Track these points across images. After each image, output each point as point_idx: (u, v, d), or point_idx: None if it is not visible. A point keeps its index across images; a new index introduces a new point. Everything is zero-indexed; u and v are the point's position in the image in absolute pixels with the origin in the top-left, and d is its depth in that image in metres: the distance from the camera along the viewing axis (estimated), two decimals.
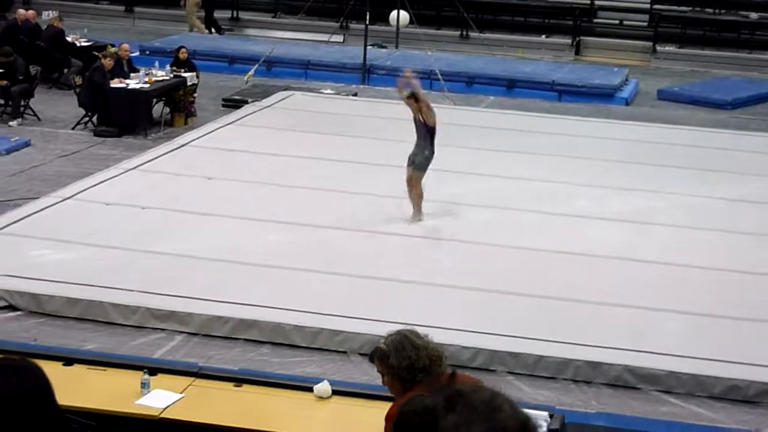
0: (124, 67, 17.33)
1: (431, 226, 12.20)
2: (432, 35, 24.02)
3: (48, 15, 21.30)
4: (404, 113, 12.36)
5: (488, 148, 15.63)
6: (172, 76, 17.37)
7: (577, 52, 25.63)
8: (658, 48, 25.45)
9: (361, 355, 8.87)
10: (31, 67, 17.85)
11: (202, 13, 25.90)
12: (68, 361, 7.31)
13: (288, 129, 16.44)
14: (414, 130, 12.08)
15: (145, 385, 6.90)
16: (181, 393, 6.95)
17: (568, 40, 25.96)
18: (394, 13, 22.77)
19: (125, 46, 18.05)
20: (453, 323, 9.35)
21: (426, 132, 11.97)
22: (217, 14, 26.43)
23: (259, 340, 9.43)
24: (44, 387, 2.96)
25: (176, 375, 7.27)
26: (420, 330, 5.12)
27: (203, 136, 15.81)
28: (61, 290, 9.92)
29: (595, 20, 26.81)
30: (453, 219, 12.50)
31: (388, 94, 18.41)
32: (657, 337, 9.51)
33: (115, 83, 16.56)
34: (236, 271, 10.65)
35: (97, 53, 18.46)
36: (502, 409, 2.40)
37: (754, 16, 25.95)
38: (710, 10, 26.59)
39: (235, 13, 27.32)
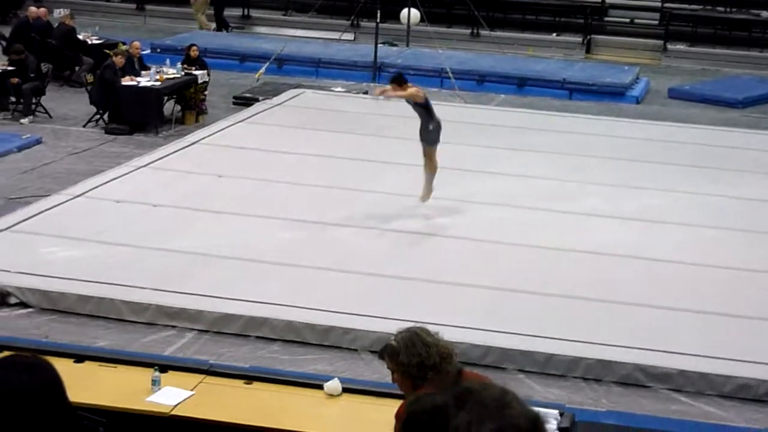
0: (135, 65, 17.34)
1: (442, 224, 12.20)
2: (443, 33, 24.00)
3: (59, 13, 21.34)
4: (413, 111, 12.36)
5: (499, 147, 15.62)
6: (183, 73, 17.39)
7: (587, 51, 25.60)
8: (669, 46, 25.40)
9: (372, 352, 8.87)
10: (42, 64, 17.88)
11: (211, 11, 25.93)
12: (79, 358, 7.33)
13: (299, 127, 16.45)
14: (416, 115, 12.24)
15: (155, 383, 6.92)
16: (191, 390, 6.96)
17: (578, 39, 25.92)
18: (405, 11, 22.77)
19: (136, 43, 18.07)
20: (464, 321, 9.35)
21: (421, 108, 12.13)
22: (228, 12, 26.45)
23: (269, 337, 9.44)
24: (56, 384, 2.97)
25: (187, 372, 7.28)
26: (431, 328, 5.12)
27: (214, 133, 15.83)
28: (73, 287, 9.94)
29: (606, 18, 26.78)
30: (463, 217, 12.50)
31: None
32: (667, 335, 9.49)
33: (126, 81, 16.58)
34: (247, 269, 10.66)
35: (108, 51, 18.52)
36: (512, 406, 2.40)
37: (765, 14, 25.90)
38: (721, 9, 26.53)
39: (246, 11, 27.34)
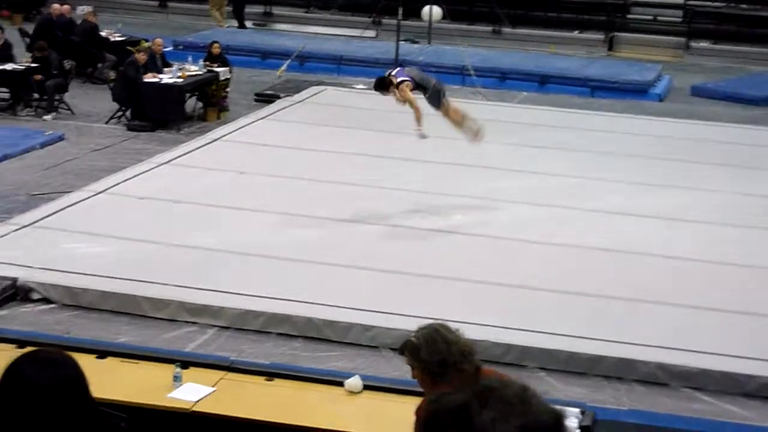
0: (158, 62, 17.38)
1: (463, 222, 12.18)
2: (464, 31, 23.98)
3: (82, 10, 21.45)
4: (430, 108, 12.34)
5: (520, 144, 15.59)
6: (205, 70, 17.43)
7: (610, 48, 25.53)
8: (692, 44, 25.30)
9: (392, 350, 8.85)
10: (65, 61, 17.96)
11: (230, 8, 25.99)
12: (101, 354, 7.35)
13: (320, 124, 16.46)
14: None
15: (177, 379, 6.93)
16: (212, 386, 6.97)
17: (601, 36, 25.85)
18: (426, 8, 22.77)
19: (159, 40, 18.13)
20: (485, 319, 9.32)
21: (416, 87, 12.07)
22: (250, 9, 26.51)
23: (290, 334, 9.44)
24: (79, 380, 2.99)
25: (208, 368, 7.29)
26: (451, 325, 5.11)
27: (235, 130, 15.86)
28: (95, 283, 9.97)
29: (629, 16, 26.69)
30: (485, 214, 12.47)
31: None
32: (690, 333, 9.44)
33: (149, 78, 16.63)
34: (268, 266, 10.66)
35: (130, 48, 18.58)
36: (534, 402, 2.40)
37: None
38: (745, 6, 26.40)
39: (267, 8, 27.39)
